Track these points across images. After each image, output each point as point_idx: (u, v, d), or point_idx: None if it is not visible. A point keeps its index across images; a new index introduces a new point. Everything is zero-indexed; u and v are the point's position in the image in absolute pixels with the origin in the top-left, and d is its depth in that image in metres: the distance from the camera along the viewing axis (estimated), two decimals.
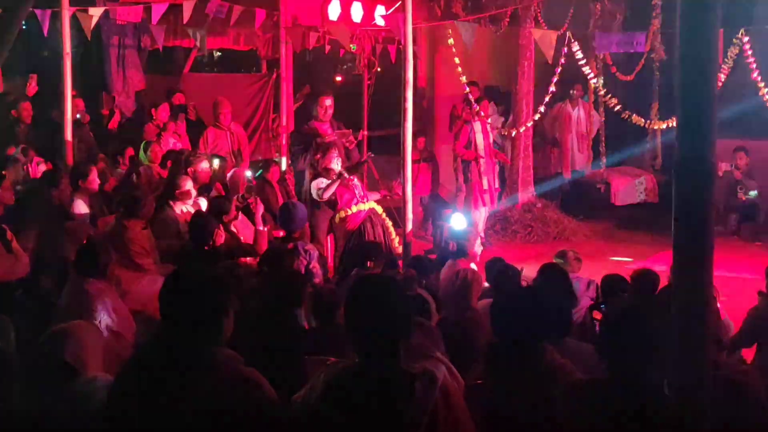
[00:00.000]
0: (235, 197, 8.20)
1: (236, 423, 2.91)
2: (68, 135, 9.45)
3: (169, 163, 9.02)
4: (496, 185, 11.65)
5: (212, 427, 2.90)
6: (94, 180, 8.28)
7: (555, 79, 10.67)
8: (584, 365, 4.32)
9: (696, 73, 2.48)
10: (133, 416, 2.99)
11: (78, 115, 10.17)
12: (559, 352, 4.16)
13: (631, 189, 13.06)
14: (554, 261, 7.11)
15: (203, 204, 8.10)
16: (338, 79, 16.81)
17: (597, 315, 5.71)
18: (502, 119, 13.13)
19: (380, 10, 11.30)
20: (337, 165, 8.78)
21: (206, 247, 6.89)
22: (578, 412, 3.42)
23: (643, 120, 10.99)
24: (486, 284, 6.40)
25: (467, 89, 11.16)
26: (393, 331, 2.96)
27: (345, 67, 17.89)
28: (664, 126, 11.23)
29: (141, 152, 9.99)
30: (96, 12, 9.96)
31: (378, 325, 2.95)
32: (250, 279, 5.90)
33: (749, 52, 9.42)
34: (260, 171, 10.03)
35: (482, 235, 10.95)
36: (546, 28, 11.73)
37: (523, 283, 6.29)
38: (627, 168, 13.71)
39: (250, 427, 2.94)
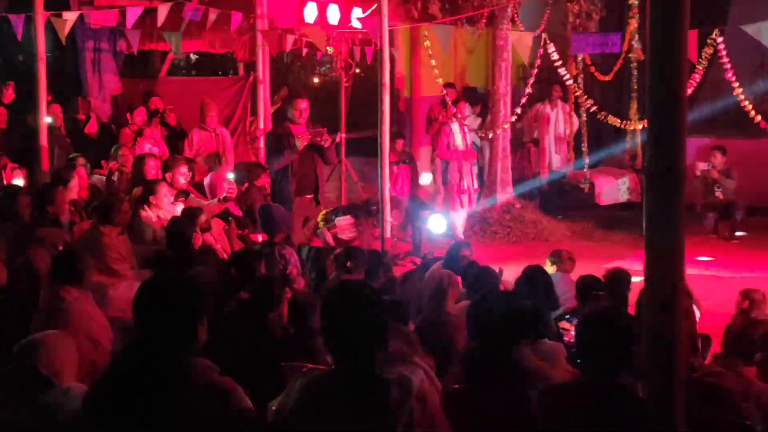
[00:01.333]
0: (209, 203, 8.17)
1: None
2: (43, 140, 9.35)
3: (145, 168, 8.88)
4: (475, 186, 11.68)
5: None
6: (75, 187, 8.19)
7: (531, 81, 10.70)
8: (562, 366, 4.36)
9: (665, 82, 2.49)
10: (108, 427, 2.96)
11: (49, 118, 9.98)
12: (536, 354, 4.19)
13: (614, 189, 13.12)
14: (547, 261, 7.09)
15: (179, 210, 8.04)
16: (315, 81, 16.75)
17: (563, 324, 5.73)
18: (480, 120, 13.15)
19: (357, 13, 11.25)
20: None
21: (184, 253, 6.84)
22: (554, 414, 3.43)
23: (618, 120, 11.05)
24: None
25: (444, 91, 11.16)
26: (369, 337, 2.96)
27: (323, 69, 17.85)
28: (640, 126, 11.30)
29: (112, 157, 9.92)
30: (70, 16, 9.88)
31: (354, 331, 2.94)
32: (220, 284, 5.87)
33: (724, 53, 9.47)
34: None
35: (461, 236, 10.95)
36: (522, 28, 11.77)
37: (502, 286, 6.29)
38: (610, 168, 13.77)
39: None
